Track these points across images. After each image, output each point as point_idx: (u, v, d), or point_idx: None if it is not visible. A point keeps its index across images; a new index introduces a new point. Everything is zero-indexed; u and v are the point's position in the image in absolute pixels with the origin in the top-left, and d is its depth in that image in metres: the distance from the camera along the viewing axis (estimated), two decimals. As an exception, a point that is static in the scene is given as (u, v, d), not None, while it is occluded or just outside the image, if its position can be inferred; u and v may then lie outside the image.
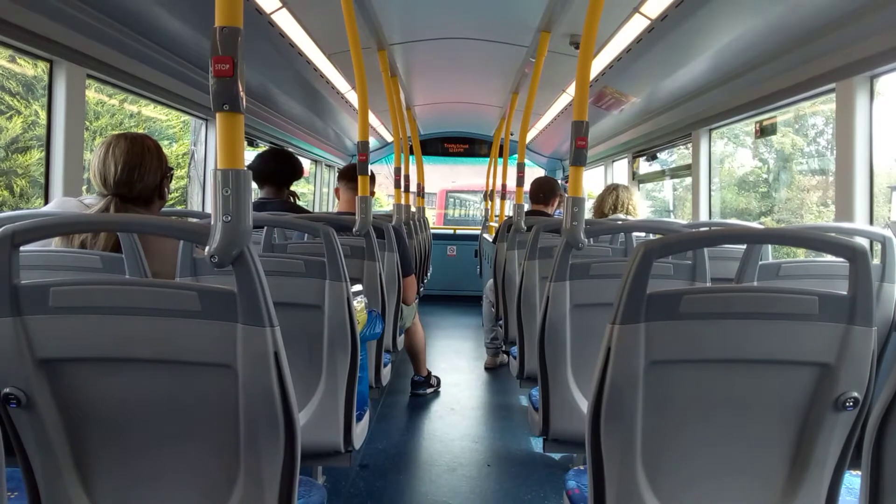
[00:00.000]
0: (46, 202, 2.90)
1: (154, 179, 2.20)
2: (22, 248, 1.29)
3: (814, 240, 1.45)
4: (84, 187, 3.09)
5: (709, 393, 1.41)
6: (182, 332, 1.29)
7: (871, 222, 2.92)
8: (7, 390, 1.28)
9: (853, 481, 1.86)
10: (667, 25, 3.58)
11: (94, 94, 5.65)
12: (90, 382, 1.33)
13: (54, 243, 2.09)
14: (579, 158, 2.41)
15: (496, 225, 6.94)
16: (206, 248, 1.25)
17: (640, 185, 6.80)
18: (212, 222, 1.25)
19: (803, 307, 1.35)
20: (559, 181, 9.92)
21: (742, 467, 1.46)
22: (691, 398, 1.42)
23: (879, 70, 2.79)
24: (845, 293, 1.35)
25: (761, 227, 3.32)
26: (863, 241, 1.51)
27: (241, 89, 1.25)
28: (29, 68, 4.81)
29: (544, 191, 4.97)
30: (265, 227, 2.68)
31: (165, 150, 2.30)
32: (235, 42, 1.24)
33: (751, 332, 1.36)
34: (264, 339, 1.28)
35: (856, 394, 1.37)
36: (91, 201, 2.19)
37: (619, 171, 7.28)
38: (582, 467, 1.95)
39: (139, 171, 2.15)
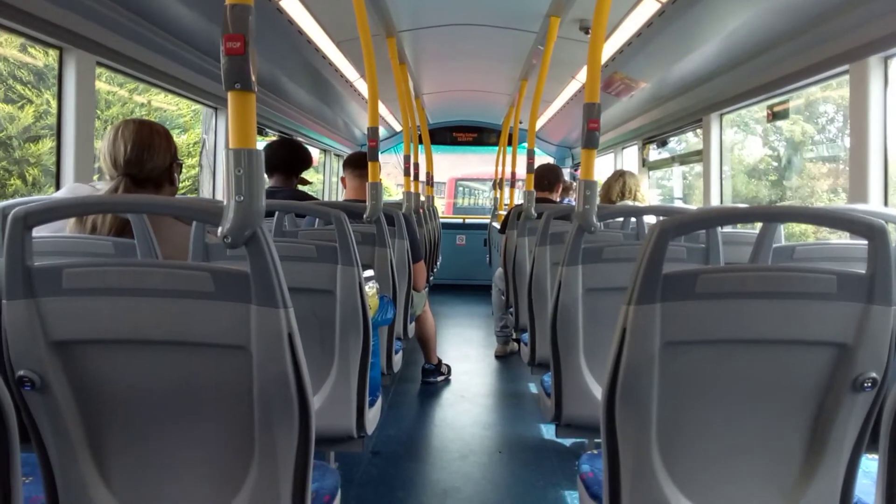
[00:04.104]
0: (58, 189, 2.91)
1: (163, 161, 2.19)
2: (35, 235, 1.29)
3: (832, 218, 1.44)
4: (95, 176, 3.09)
5: (725, 374, 1.40)
6: (196, 313, 1.28)
7: (886, 206, 2.89)
8: (21, 373, 1.28)
9: (870, 465, 1.84)
10: (678, 8, 3.55)
11: (104, 84, 5.66)
12: (104, 364, 1.33)
13: (68, 229, 2.09)
14: (591, 141, 2.39)
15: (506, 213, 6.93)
16: (219, 229, 1.24)
17: (650, 173, 6.77)
18: (224, 202, 1.24)
19: (821, 286, 1.33)
20: (568, 169, 9.92)
21: (759, 449, 1.45)
22: (707, 379, 1.40)
23: (894, 51, 2.76)
24: (864, 272, 1.34)
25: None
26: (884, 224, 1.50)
27: (252, 68, 1.24)
28: (40, 57, 4.82)
29: (549, 178, 4.96)
30: (276, 214, 2.67)
31: (176, 139, 2.30)
32: (246, 20, 1.23)
33: (768, 311, 1.35)
34: (278, 320, 1.27)
35: (874, 374, 1.35)
36: (103, 187, 2.19)
37: (629, 159, 7.25)
38: (595, 451, 1.94)
39: (148, 151, 2.15)
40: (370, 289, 2.34)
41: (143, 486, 1.40)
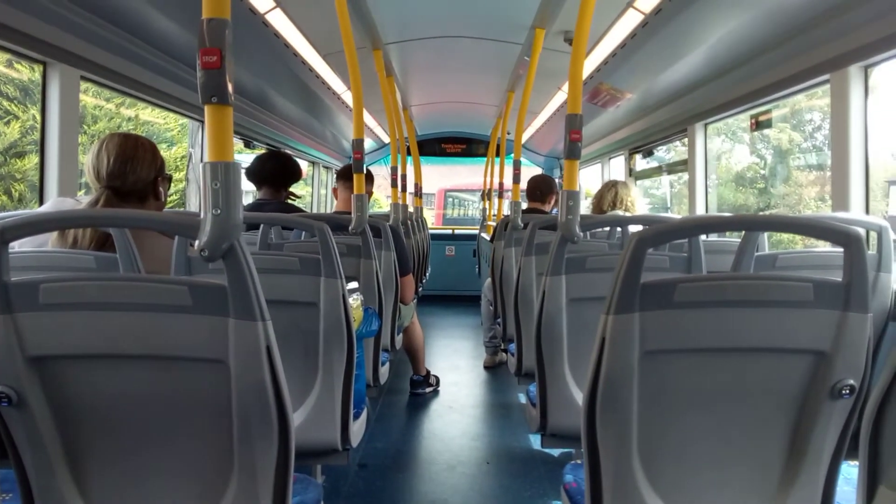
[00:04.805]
0: (41, 204, 2.89)
1: (147, 174, 2.18)
2: (17, 250, 1.28)
3: (808, 226, 1.45)
4: (82, 192, 3.08)
5: (704, 382, 1.40)
6: (173, 327, 1.27)
7: (868, 214, 2.91)
8: None
9: (850, 471, 1.85)
10: (661, 19, 3.57)
11: (91, 98, 5.66)
12: (82, 379, 1.32)
13: (50, 244, 2.08)
14: (574, 152, 2.40)
15: (494, 224, 6.94)
16: (196, 242, 1.24)
17: (637, 182, 6.80)
18: (201, 216, 1.25)
19: (798, 294, 1.34)
20: (557, 179, 9.95)
21: (739, 456, 1.45)
22: (686, 388, 1.41)
23: (874, 59, 2.78)
24: (840, 280, 1.35)
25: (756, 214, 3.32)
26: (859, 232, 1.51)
27: (228, 81, 1.25)
28: (26, 73, 4.82)
29: (541, 188, 4.97)
30: (261, 226, 2.67)
31: (163, 153, 2.29)
32: (223, 34, 1.23)
33: (746, 320, 1.35)
34: (256, 333, 1.26)
35: (852, 381, 1.36)
36: (87, 200, 2.18)
37: (616, 169, 7.28)
38: (579, 461, 1.94)
39: (132, 163, 2.14)
40: (354, 300, 2.34)
41: (121, 501, 1.39)
